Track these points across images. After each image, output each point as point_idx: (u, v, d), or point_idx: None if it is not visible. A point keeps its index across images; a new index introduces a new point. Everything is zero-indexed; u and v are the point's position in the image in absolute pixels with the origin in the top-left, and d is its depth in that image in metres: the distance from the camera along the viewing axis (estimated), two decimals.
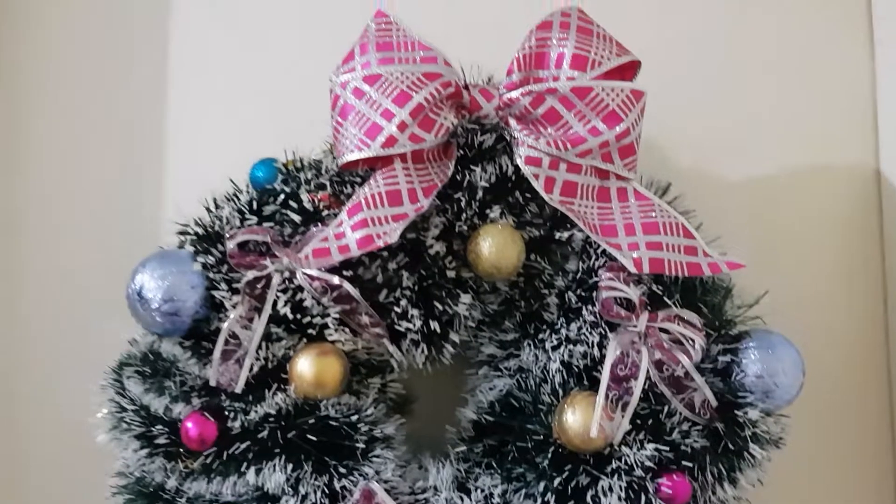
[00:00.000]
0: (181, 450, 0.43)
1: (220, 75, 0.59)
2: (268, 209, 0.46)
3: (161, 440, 0.44)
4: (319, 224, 0.45)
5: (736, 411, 0.44)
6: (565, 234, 0.46)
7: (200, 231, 0.45)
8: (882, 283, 0.59)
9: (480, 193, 0.45)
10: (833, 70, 0.61)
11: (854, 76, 0.61)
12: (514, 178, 0.46)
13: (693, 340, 0.43)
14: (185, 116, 0.58)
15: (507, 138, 0.46)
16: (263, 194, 0.47)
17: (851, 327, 0.59)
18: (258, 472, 0.43)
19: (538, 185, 0.45)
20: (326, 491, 0.43)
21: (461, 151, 0.46)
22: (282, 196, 0.46)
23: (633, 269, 0.43)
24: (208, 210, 0.47)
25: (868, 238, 0.60)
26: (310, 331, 0.45)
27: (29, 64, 0.58)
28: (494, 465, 0.45)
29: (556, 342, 0.45)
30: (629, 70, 0.48)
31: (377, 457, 0.44)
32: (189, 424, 0.43)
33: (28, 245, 0.57)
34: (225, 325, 0.44)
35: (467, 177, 0.45)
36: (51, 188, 0.57)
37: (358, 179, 0.46)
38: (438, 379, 0.50)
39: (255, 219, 0.46)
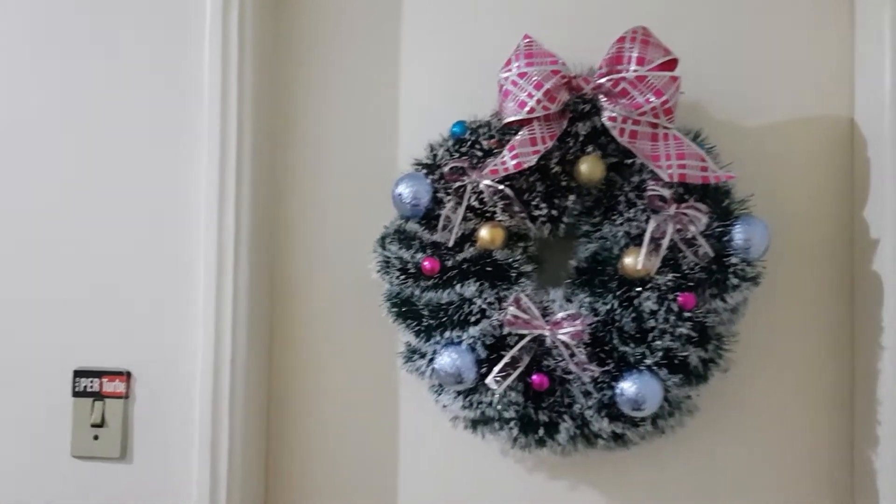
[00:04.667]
0: (423, 275, 0.83)
1: (437, 61, 0.93)
2: (462, 150, 0.84)
3: (411, 271, 0.84)
4: (492, 157, 0.82)
5: (723, 258, 0.78)
6: (631, 161, 0.82)
7: (429, 162, 0.84)
8: (851, 192, 0.89)
9: (581, 138, 0.81)
10: (819, 38, 0.89)
11: (837, 42, 0.89)
12: (601, 128, 0.81)
13: (700, 219, 0.78)
14: (412, 89, 0.94)
15: (598, 106, 0.81)
16: (458, 141, 0.85)
17: (821, 221, 0.89)
18: (461, 286, 0.82)
19: (614, 133, 0.80)
20: (497, 297, 0.82)
21: (571, 114, 0.81)
22: (469, 142, 0.84)
23: (666, 179, 0.78)
24: (430, 151, 0.85)
25: (842, 168, 0.89)
26: (487, 214, 0.83)
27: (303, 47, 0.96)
28: (587, 289, 0.82)
29: (622, 221, 0.81)
30: (673, 63, 0.81)
31: (522, 282, 0.83)
32: (426, 263, 0.83)
33: (324, 175, 0.96)
34: (443, 212, 0.83)
35: (574, 128, 0.81)
36: (329, 140, 0.96)
37: (512, 132, 0.82)
38: (558, 245, 0.87)
39: (457, 155, 0.84)
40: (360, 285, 0.91)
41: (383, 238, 0.86)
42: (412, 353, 0.86)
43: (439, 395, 0.85)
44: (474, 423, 0.85)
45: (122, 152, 0.92)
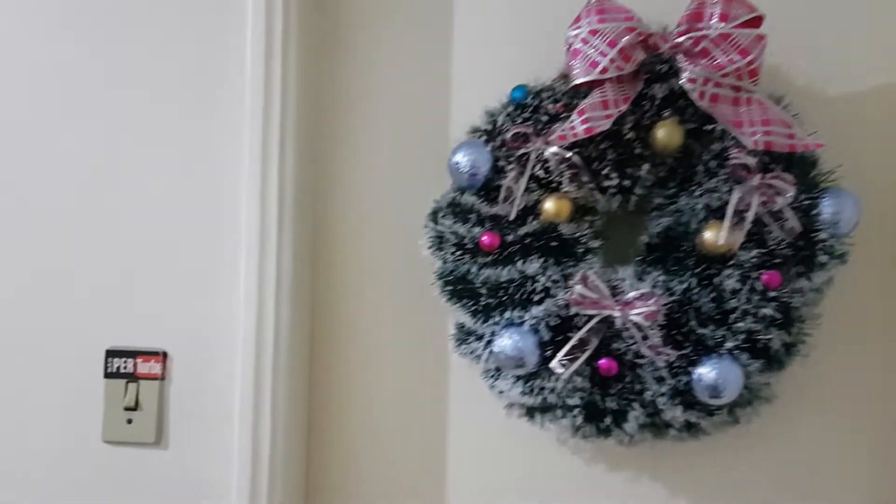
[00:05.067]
0: (481, 251, 0.77)
1: (494, 21, 0.87)
2: (525, 115, 0.77)
3: (467, 247, 0.78)
4: (558, 123, 0.76)
5: (811, 234, 0.72)
6: (710, 126, 0.75)
7: (489, 128, 0.78)
8: None
9: (658, 101, 0.75)
10: None
11: None
12: (679, 91, 0.74)
13: (787, 190, 0.71)
14: (466, 53, 0.88)
15: (676, 66, 0.74)
16: (519, 106, 0.78)
17: None
18: (523, 263, 0.76)
19: (694, 96, 0.73)
20: (562, 275, 0.76)
21: (647, 75, 0.75)
22: (532, 107, 0.77)
23: (751, 147, 0.72)
24: (489, 117, 0.79)
25: None
26: (552, 185, 0.77)
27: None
28: (660, 266, 0.76)
29: (701, 192, 0.75)
30: (758, 20, 0.74)
31: (589, 258, 0.77)
32: (484, 238, 0.77)
33: (370, 146, 0.90)
34: (504, 183, 0.76)
35: (650, 91, 0.75)
36: (377, 109, 0.90)
37: (580, 95, 0.76)
38: (626, 220, 0.81)
39: (519, 121, 0.77)
40: (407, 263, 0.85)
41: (435, 212, 0.80)
42: (466, 336, 0.80)
43: (496, 380, 0.79)
44: (531, 411, 0.80)
45: (158, 126, 0.87)
